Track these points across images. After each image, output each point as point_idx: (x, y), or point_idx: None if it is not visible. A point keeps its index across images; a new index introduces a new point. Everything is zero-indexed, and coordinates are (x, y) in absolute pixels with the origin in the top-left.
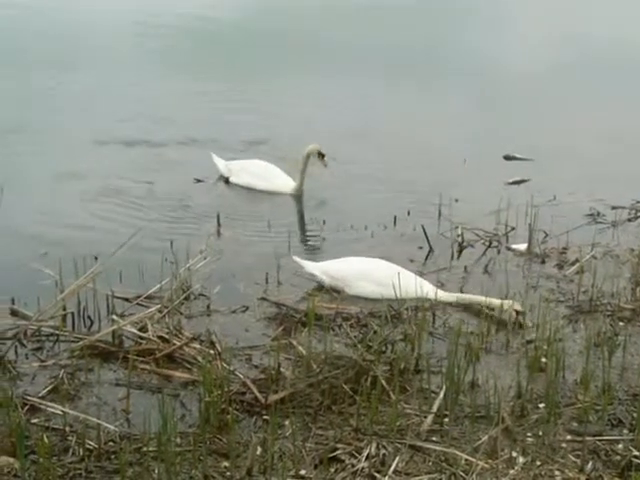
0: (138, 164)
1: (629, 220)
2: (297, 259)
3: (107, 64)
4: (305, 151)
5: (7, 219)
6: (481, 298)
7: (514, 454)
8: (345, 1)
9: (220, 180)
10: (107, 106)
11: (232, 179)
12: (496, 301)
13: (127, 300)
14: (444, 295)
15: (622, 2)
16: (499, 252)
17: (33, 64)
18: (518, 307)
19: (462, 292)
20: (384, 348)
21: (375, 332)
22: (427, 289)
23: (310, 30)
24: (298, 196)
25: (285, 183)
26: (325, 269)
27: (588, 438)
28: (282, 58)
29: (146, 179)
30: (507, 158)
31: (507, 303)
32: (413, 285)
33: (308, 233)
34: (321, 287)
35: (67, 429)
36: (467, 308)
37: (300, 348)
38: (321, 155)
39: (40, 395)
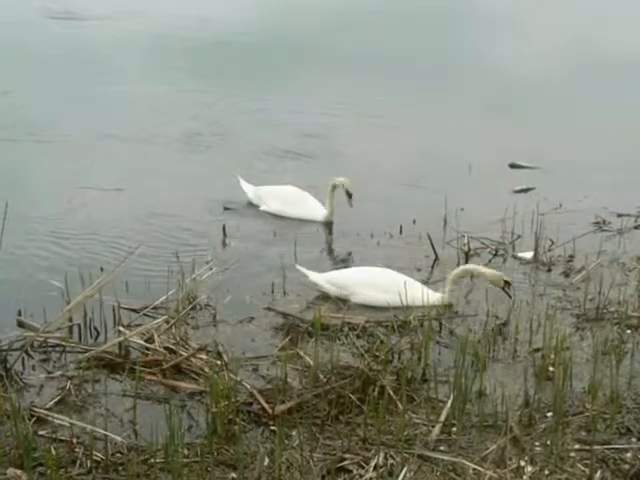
0: (147, 174)
1: (635, 228)
2: (301, 268)
3: (126, 74)
4: (332, 182)
5: (13, 231)
6: (470, 267)
7: (522, 463)
8: (356, 9)
9: (248, 208)
10: (120, 114)
11: (262, 207)
12: (486, 270)
13: (134, 311)
14: (445, 296)
15: (633, 7)
16: (505, 260)
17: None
18: (507, 278)
19: (468, 300)
20: (391, 358)
21: (382, 342)
22: (432, 297)
23: (320, 39)
24: (329, 223)
25: (316, 210)
26: (330, 278)
27: (596, 447)
28: (287, 67)
29: (155, 190)
30: (513, 166)
31: (497, 274)
32: (419, 292)
33: (314, 242)
34: (327, 297)
35: (74, 441)
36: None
37: (307, 358)
38: (348, 194)
39: (47, 406)
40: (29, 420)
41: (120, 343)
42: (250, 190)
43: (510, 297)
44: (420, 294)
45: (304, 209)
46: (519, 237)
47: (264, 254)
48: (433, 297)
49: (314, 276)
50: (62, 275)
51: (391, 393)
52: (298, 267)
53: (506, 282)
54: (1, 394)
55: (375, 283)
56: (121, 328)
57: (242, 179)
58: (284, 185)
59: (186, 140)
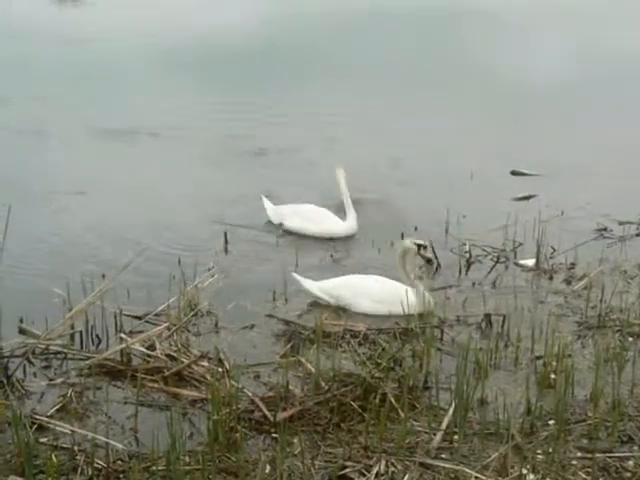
0: (149, 180)
1: (637, 235)
2: (296, 276)
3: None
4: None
5: (14, 238)
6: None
7: (524, 471)
8: (355, 10)
9: (268, 227)
10: (123, 121)
11: (285, 225)
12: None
13: (135, 318)
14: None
15: (636, 10)
16: (507, 268)
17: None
18: (417, 241)
19: (467, 308)
20: (392, 365)
21: (383, 349)
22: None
23: (319, 43)
24: (352, 236)
25: (337, 225)
26: (323, 287)
27: (598, 455)
28: (288, 73)
29: (155, 196)
30: (514, 173)
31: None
32: (408, 299)
33: (315, 249)
34: (329, 304)
35: (76, 448)
36: None
37: (308, 365)
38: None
39: (48, 414)
40: (30, 427)
41: (122, 350)
42: (270, 208)
43: (430, 262)
44: (405, 300)
45: (325, 226)
46: (521, 244)
47: (266, 261)
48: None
49: (308, 284)
50: (63, 282)
51: (393, 401)
52: (294, 275)
53: (418, 245)
54: (2, 401)
55: (367, 292)
56: (123, 335)
57: (265, 198)
58: (303, 204)
59: (184, 144)
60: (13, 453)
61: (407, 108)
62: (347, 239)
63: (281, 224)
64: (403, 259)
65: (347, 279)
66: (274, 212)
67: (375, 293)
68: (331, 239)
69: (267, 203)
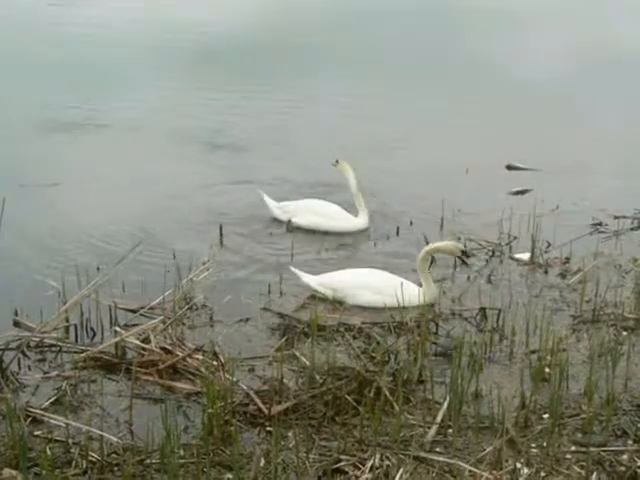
0: (141, 173)
1: (632, 229)
2: (295, 270)
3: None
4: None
5: (10, 230)
6: (427, 247)
7: (518, 465)
8: (352, 8)
9: (264, 220)
10: (117, 116)
11: (294, 221)
12: (440, 244)
13: (130, 311)
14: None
15: (634, 7)
16: (502, 262)
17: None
18: (461, 246)
19: (462, 302)
20: (387, 358)
21: (378, 342)
22: (413, 292)
23: (318, 38)
24: (364, 230)
25: (349, 220)
26: (322, 281)
27: (592, 449)
28: (282, 67)
29: (150, 189)
30: (510, 168)
31: (450, 245)
32: (407, 292)
33: (310, 243)
34: (323, 297)
35: (70, 441)
36: None
37: (303, 359)
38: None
39: (43, 407)
40: (25, 420)
41: (116, 343)
42: (274, 206)
43: (467, 265)
44: (407, 293)
45: (338, 222)
46: (516, 238)
47: (261, 254)
48: (414, 292)
49: (307, 278)
50: (58, 275)
51: (387, 394)
52: (292, 269)
53: (462, 251)
54: None
55: (366, 284)
56: (117, 328)
57: (265, 195)
58: (309, 199)
59: (178, 138)
60: (7, 446)
61: (402, 102)
62: (344, 234)
63: (289, 221)
64: (431, 258)
65: (347, 272)
66: (278, 209)
67: (376, 286)
68: (341, 235)
69: (269, 201)
